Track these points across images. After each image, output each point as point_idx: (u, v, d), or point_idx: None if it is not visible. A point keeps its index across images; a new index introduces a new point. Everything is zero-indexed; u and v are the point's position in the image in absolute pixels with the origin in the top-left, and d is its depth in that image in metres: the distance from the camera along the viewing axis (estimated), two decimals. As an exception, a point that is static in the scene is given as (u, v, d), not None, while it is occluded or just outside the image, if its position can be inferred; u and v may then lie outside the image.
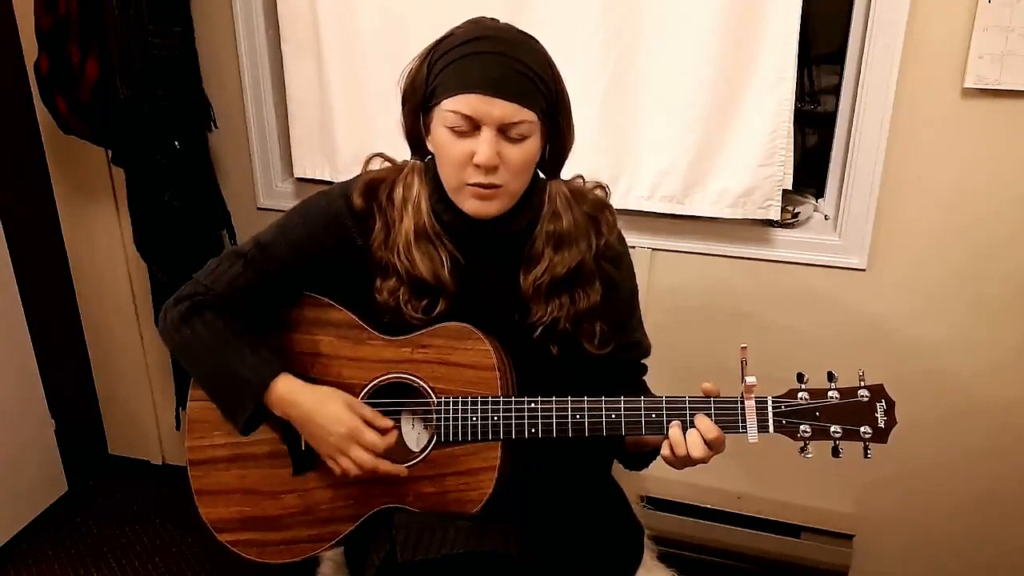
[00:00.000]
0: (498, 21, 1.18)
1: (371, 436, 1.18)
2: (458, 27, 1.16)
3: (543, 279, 1.22)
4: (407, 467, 1.22)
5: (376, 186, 1.25)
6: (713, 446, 1.15)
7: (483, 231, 1.21)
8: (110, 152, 2.10)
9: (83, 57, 1.88)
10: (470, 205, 1.17)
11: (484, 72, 1.10)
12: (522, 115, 1.11)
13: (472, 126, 1.12)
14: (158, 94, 1.93)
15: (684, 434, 1.15)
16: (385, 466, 1.19)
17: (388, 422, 1.21)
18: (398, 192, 1.24)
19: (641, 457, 1.35)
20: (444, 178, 1.19)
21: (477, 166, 1.12)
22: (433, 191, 1.22)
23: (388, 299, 1.23)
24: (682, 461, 1.16)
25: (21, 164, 2.24)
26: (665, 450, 1.17)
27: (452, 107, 1.11)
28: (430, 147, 1.20)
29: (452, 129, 1.13)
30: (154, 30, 1.89)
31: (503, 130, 1.12)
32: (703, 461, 1.16)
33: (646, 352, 1.40)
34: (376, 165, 1.28)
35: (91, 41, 1.87)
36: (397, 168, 1.27)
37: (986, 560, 1.98)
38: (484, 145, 1.11)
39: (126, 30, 1.85)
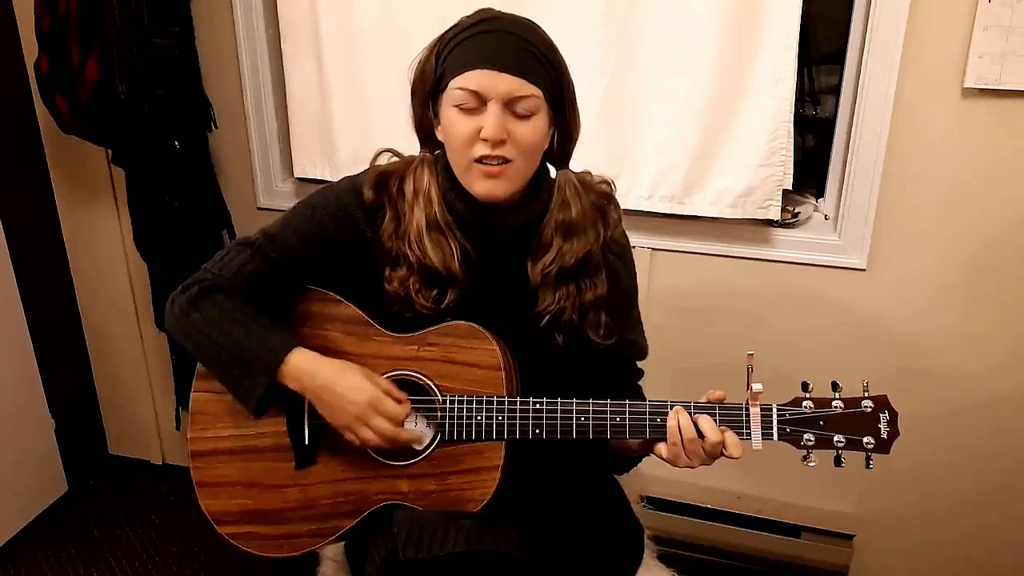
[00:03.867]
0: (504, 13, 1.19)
1: (391, 405, 1.18)
2: (465, 17, 1.18)
3: (552, 267, 1.23)
4: (408, 465, 1.22)
5: (386, 178, 1.25)
6: (710, 450, 1.15)
7: (493, 221, 1.22)
8: (110, 152, 2.10)
9: (83, 57, 1.88)
10: (479, 186, 1.17)
11: (489, 49, 1.12)
12: (528, 90, 1.12)
13: (479, 102, 1.12)
14: (158, 94, 1.93)
15: (679, 427, 1.16)
16: (405, 434, 1.19)
17: (402, 393, 1.21)
18: (408, 184, 1.24)
19: (624, 461, 1.36)
20: (452, 160, 1.19)
21: (484, 140, 1.12)
22: (443, 182, 1.23)
23: (398, 288, 1.23)
24: (676, 452, 1.17)
25: (21, 164, 2.24)
26: (662, 448, 1.19)
27: (459, 84, 1.12)
28: (440, 137, 1.21)
29: (459, 107, 1.13)
30: (154, 30, 1.90)
31: (509, 105, 1.13)
32: (701, 455, 1.16)
33: (642, 354, 1.39)
34: (384, 160, 1.29)
35: (91, 41, 1.87)
36: (407, 161, 1.28)
37: (986, 559, 1.98)
38: (491, 118, 1.11)
39: (126, 30, 1.85)
